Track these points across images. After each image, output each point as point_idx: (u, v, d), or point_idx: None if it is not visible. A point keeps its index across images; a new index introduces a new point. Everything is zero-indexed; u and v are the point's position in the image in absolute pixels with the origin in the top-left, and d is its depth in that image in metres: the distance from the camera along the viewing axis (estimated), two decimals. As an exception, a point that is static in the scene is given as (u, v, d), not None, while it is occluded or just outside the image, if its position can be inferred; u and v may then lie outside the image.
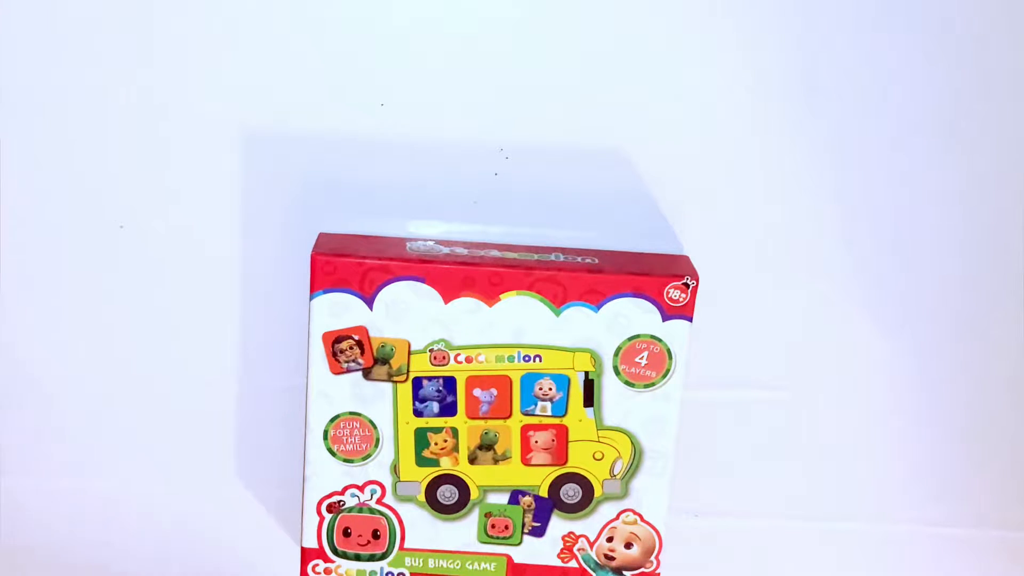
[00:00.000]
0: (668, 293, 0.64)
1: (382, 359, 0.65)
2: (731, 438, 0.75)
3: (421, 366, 0.65)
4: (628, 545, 0.70)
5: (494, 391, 0.66)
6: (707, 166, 0.68)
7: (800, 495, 0.77)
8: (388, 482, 0.68)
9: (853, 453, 0.75)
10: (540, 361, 0.66)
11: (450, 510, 0.69)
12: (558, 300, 0.64)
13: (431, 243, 0.67)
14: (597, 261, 0.66)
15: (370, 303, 0.64)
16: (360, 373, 0.65)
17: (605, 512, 0.69)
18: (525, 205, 0.68)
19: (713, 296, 0.68)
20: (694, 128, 0.67)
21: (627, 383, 0.66)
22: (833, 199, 0.69)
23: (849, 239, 0.70)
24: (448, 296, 0.64)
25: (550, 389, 0.66)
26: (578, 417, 0.67)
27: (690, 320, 0.65)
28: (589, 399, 0.67)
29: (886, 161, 0.68)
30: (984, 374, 0.73)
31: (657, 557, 0.70)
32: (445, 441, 0.67)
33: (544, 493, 0.69)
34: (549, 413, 0.67)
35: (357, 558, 0.70)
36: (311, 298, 0.64)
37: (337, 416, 0.66)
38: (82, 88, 0.65)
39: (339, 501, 0.69)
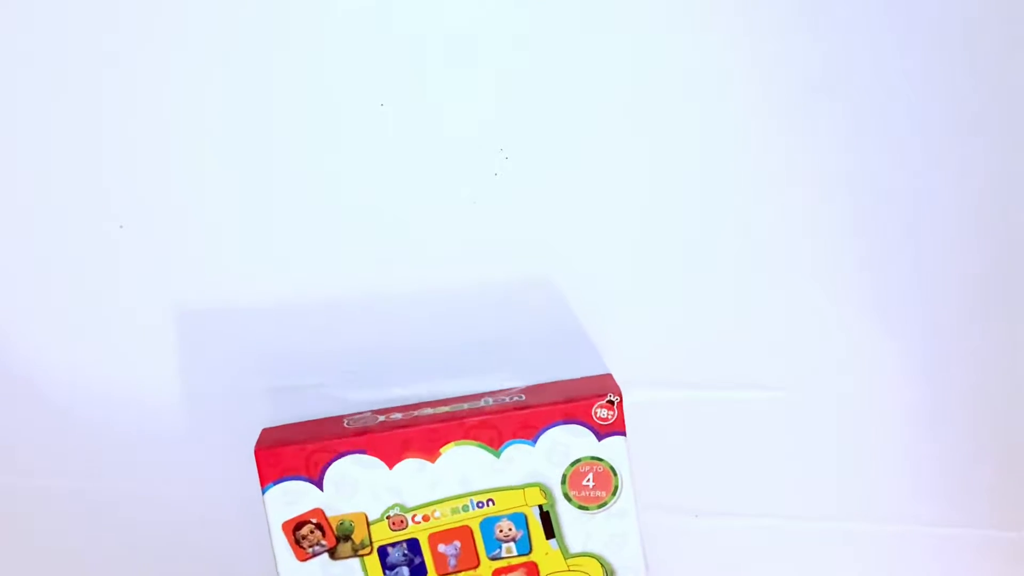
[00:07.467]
0: (596, 413, 0.67)
1: (344, 536, 0.67)
2: (731, 438, 0.74)
3: (382, 534, 0.67)
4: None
5: (457, 543, 0.68)
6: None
7: (800, 495, 0.76)
8: (376, 655, 0.69)
9: (853, 453, 0.75)
10: (493, 504, 0.67)
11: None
12: (495, 442, 0.66)
13: (367, 413, 0.69)
14: (524, 397, 0.68)
15: (320, 484, 0.66)
16: (326, 555, 0.67)
17: (593, 639, 0.70)
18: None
19: (712, 295, 0.70)
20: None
21: (581, 507, 0.68)
22: (835, 198, 0.69)
23: (850, 238, 0.70)
24: (391, 461, 0.66)
25: (510, 529, 0.68)
26: (544, 551, 0.68)
27: (623, 435, 0.67)
28: (549, 531, 0.68)
29: (892, 159, 0.69)
30: (984, 374, 0.73)
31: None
32: (422, 603, 0.68)
33: (528, 633, 0.70)
34: (515, 553, 0.68)
35: None
36: (263, 492, 0.66)
37: (312, 601, 0.68)
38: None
39: None
